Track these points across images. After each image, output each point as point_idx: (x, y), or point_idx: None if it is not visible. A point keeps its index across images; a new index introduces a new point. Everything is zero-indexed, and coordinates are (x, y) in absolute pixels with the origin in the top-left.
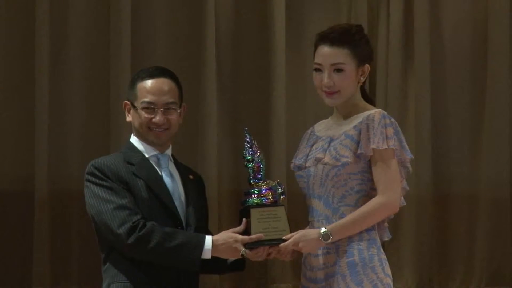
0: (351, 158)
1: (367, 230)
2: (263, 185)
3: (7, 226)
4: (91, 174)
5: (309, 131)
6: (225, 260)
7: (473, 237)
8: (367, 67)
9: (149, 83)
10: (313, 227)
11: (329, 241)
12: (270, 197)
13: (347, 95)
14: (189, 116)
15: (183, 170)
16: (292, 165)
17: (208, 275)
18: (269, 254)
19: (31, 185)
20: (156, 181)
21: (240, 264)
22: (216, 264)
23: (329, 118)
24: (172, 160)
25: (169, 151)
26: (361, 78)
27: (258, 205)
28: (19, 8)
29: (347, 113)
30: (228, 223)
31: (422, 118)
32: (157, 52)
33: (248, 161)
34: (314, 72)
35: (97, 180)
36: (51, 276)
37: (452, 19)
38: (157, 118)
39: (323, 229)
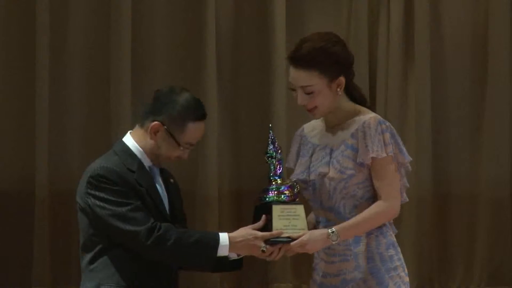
0: (355, 169)
1: (384, 234)
2: (284, 183)
3: (7, 226)
4: (98, 180)
5: (298, 133)
6: (226, 258)
7: (473, 237)
8: (341, 79)
9: (200, 127)
10: None
11: (337, 241)
12: (291, 195)
13: (326, 109)
14: None
15: (166, 175)
16: (293, 177)
17: (208, 275)
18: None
19: (31, 185)
20: (154, 190)
21: (239, 263)
22: (217, 263)
23: (320, 121)
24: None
25: None
26: (338, 90)
27: (279, 202)
28: (19, 8)
29: (338, 120)
30: (228, 223)
31: (422, 118)
32: (158, 52)
33: (271, 157)
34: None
35: (105, 185)
36: (51, 276)
37: (452, 19)
38: (185, 156)
39: (331, 229)
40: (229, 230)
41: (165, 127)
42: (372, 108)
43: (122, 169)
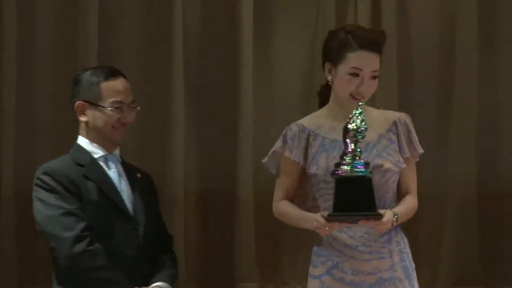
0: (405, 163)
1: (403, 233)
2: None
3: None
4: (41, 179)
5: (301, 129)
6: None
7: (440, 237)
8: None
9: (114, 82)
10: (350, 231)
11: (393, 226)
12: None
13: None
14: (156, 116)
15: (131, 170)
16: (322, 172)
17: None
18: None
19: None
20: (106, 183)
21: None
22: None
23: (322, 118)
24: (120, 160)
25: (117, 152)
26: None
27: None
28: None
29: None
30: (193, 222)
31: None
32: (125, 53)
33: (362, 132)
34: (348, 75)
35: (46, 186)
36: (16, 276)
37: (420, 19)
38: (127, 117)
39: (395, 212)
40: (195, 229)
41: (85, 101)
42: None
43: (68, 166)
